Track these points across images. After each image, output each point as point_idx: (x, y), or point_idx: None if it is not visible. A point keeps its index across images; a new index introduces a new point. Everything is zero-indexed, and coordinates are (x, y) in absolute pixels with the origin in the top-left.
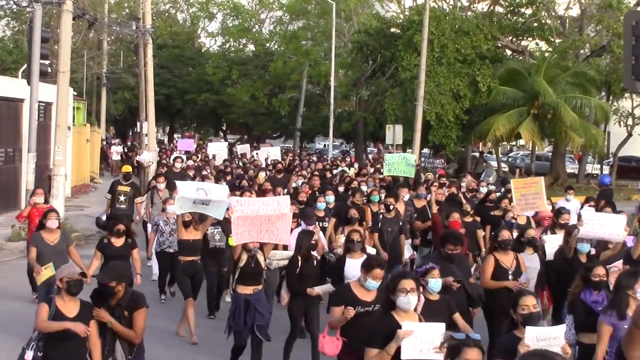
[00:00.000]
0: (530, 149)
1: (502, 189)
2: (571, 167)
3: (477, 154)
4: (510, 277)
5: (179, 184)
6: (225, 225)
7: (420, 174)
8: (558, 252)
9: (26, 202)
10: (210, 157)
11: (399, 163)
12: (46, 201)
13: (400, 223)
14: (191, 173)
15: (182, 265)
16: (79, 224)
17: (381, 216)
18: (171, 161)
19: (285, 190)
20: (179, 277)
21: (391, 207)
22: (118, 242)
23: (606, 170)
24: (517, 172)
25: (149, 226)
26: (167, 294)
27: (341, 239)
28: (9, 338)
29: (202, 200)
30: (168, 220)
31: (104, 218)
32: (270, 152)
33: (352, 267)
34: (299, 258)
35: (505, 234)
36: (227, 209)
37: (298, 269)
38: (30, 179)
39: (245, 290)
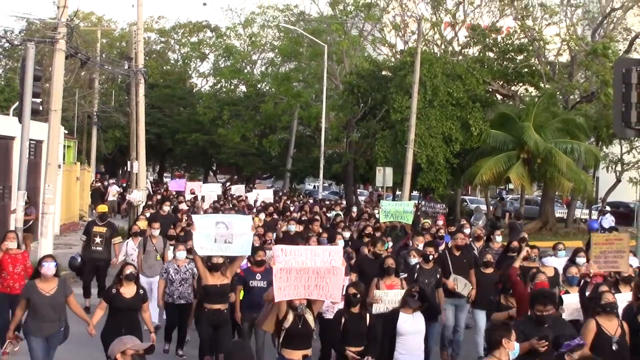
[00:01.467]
0: (519, 193)
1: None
2: (560, 212)
3: (496, 198)
4: (614, 347)
5: (196, 218)
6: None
7: (419, 220)
8: (626, 310)
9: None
10: (199, 199)
11: (397, 210)
12: (18, 246)
13: (438, 275)
14: (183, 217)
15: (206, 314)
16: (67, 263)
17: (418, 267)
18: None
19: (274, 235)
20: (201, 327)
21: (431, 257)
22: (128, 291)
23: (595, 215)
24: (506, 215)
25: (142, 277)
26: (183, 344)
27: (378, 293)
28: None
29: (224, 235)
30: (179, 269)
31: (78, 260)
32: (261, 194)
33: (407, 322)
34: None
35: (609, 297)
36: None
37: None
38: (20, 216)
39: (293, 355)
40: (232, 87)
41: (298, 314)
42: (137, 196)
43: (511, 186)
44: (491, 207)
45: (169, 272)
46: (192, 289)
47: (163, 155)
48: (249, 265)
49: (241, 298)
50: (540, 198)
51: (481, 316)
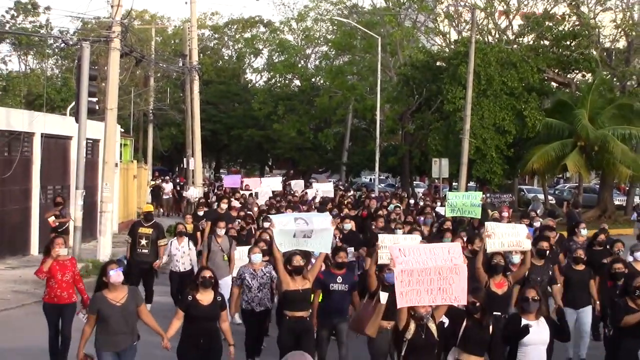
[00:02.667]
0: (577, 181)
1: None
2: (618, 199)
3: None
4: None
5: (275, 218)
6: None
7: (488, 213)
8: None
9: (74, 239)
10: (253, 195)
11: (464, 203)
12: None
13: (550, 272)
14: (235, 214)
15: (287, 323)
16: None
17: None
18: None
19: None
20: (283, 337)
21: (547, 252)
22: (205, 298)
23: None
24: (564, 204)
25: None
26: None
27: None
28: None
29: (303, 231)
30: (255, 273)
31: (125, 263)
32: (320, 188)
33: (531, 331)
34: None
35: None
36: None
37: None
38: (78, 215)
39: None
40: (287, 81)
41: (422, 323)
42: (194, 193)
43: (568, 175)
44: (550, 197)
45: (244, 278)
46: (270, 294)
47: (219, 152)
48: (329, 267)
49: (320, 302)
50: (598, 186)
51: (573, 317)
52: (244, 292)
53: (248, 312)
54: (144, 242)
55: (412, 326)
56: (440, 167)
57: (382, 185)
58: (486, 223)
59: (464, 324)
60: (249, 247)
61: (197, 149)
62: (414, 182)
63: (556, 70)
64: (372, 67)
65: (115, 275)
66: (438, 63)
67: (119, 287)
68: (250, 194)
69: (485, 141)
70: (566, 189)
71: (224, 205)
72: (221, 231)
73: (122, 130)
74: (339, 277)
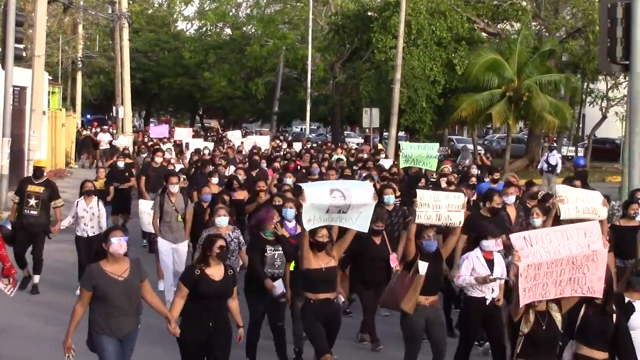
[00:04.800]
0: (505, 131)
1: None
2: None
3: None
4: None
5: (308, 189)
6: (286, 244)
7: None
8: None
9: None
10: (184, 147)
11: (419, 154)
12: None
13: None
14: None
15: (312, 306)
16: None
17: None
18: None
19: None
20: (308, 322)
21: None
22: (217, 272)
23: (581, 152)
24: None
25: (161, 241)
26: None
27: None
28: None
29: (339, 206)
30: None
31: (8, 227)
32: (258, 141)
33: (636, 312)
34: None
35: None
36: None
37: None
38: (4, 163)
39: None
40: (218, 30)
41: (543, 311)
42: (124, 142)
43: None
44: (479, 147)
45: None
46: (238, 262)
47: (149, 101)
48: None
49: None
50: (526, 136)
51: None
52: None
53: None
54: (32, 202)
55: (531, 316)
56: (371, 116)
57: (314, 135)
58: (557, 186)
59: (582, 311)
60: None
61: (127, 97)
62: (345, 132)
63: (486, 21)
64: (304, 17)
65: (118, 244)
66: (369, 13)
67: (121, 259)
68: (179, 145)
69: (416, 91)
70: (495, 139)
71: (159, 159)
72: (175, 188)
73: (50, 77)
74: None
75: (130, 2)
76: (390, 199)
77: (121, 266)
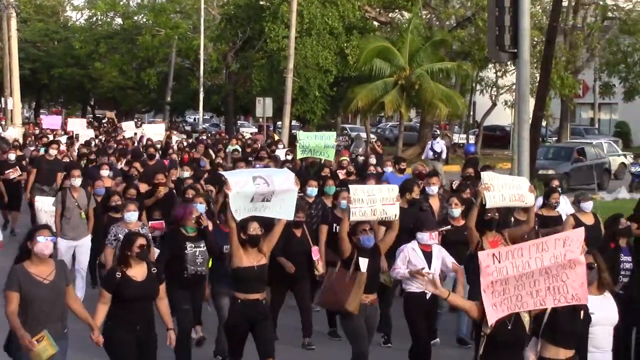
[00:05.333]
0: (398, 120)
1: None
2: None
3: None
4: None
5: (230, 176)
6: (210, 239)
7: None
8: None
9: None
10: (74, 137)
11: (317, 144)
12: None
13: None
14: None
15: (239, 307)
16: None
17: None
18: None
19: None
20: (233, 324)
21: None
22: (138, 272)
23: (472, 139)
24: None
25: (61, 242)
26: None
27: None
28: None
29: (263, 194)
30: None
31: None
32: (152, 130)
33: (595, 307)
34: None
35: None
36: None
37: None
38: None
39: None
40: (108, 20)
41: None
42: (13, 133)
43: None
44: (372, 135)
45: (118, 238)
46: None
47: (39, 91)
48: (218, 224)
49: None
50: (418, 125)
51: None
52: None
53: None
54: None
55: None
56: (264, 106)
57: (207, 125)
58: (483, 173)
59: (549, 308)
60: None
61: (16, 88)
62: (239, 122)
63: (378, 9)
64: (196, 6)
65: (44, 245)
66: (261, 2)
67: (46, 261)
68: (71, 137)
69: (308, 80)
70: (388, 127)
71: (53, 151)
72: (77, 182)
73: None
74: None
75: None
76: (313, 191)
77: (46, 267)
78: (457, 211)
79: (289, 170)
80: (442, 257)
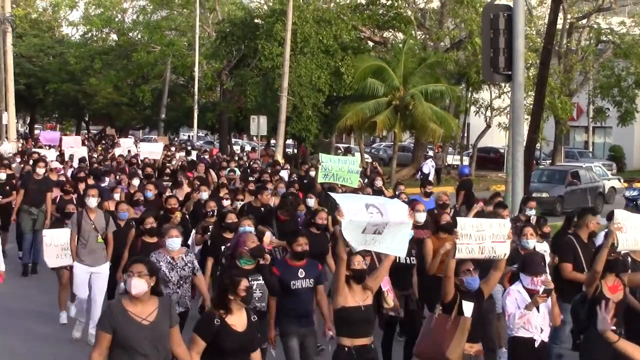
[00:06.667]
0: (392, 140)
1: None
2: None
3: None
4: None
5: (342, 202)
6: (268, 273)
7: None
8: None
9: None
10: (67, 156)
11: (340, 168)
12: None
13: None
14: (55, 178)
15: (345, 355)
16: None
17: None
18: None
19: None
20: None
21: None
22: (239, 320)
23: (466, 161)
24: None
25: (77, 266)
26: None
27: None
28: None
29: (376, 225)
30: (175, 263)
31: None
32: (143, 149)
33: None
34: None
35: None
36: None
37: None
38: None
39: None
40: (104, 36)
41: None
42: (8, 148)
43: (384, 133)
44: (366, 155)
45: (160, 268)
46: (192, 290)
47: (34, 107)
48: (285, 258)
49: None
50: (412, 145)
51: None
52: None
53: None
54: None
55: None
56: (258, 124)
57: (201, 142)
58: (616, 212)
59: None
60: (64, 229)
61: (11, 103)
62: (233, 140)
63: (372, 29)
64: (191, 23)
65: (136, 283)
66: (256, 20)
67: (147, 298)
68: (62, 154)
69: (302, 99)
70: (382, 147)
71: (40, 170)
72: (92, 202)
73: None
74: (300, 270)
75: (14, 6)
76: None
77: (147, 306)
78: (531, 242)
79: (399, 201)
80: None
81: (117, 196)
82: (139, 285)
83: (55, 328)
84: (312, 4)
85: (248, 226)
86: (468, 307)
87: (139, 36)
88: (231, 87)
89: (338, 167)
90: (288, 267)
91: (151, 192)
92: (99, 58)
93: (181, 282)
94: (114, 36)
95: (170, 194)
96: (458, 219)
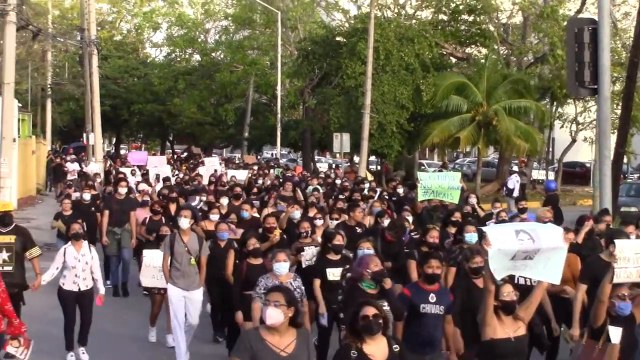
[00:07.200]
0: (476, 155)
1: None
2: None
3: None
4: None
5: (491, 232)
6: (393, 298)
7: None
8: None
9: None
10: (152, 176)
11: (440, 185)
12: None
13: None
14: (141, 199)
15: None
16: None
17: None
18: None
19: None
20: None
21: None
22: (378, 349)
23: (551, 176)
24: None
25: (171, 289)
26: None
27: None
28: None
29: (527, 251)
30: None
31: None
32: (230, 173)
33: None
34: None
35: None
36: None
37: None
38: None
39: None
40: (187, 56)
41: None
42: (94, 168)
43: (468, 149)
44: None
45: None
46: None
47: (119, 127)
48: (417, 281)
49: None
50: (497, 160)
51: None
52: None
53: None
54: (4, 255)
55: None
56: (341, 141)
57: (284, 160)
58: (617, 242)
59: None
60: (171, 249)
61: (97, 124)
62: (315, 157)
63: (454, 45)
64: (273, 42)
65: (273, 313)
66: (338, 38)
67: (283, 328)
68: (146, 174)
69: (385, 116)
70: (466, 162)
71: (123, 190)
72: (185, 223)
73: (20, 105)
74: (432, 294)
75: (99, 28)
76: (473, 237)
77: (285, 337)
78: None
79: (553, 225)
80: None
81: (215, 217)
82: (274, 315)
83: (145, 346)
84: (394, 21)
85: (367, 249)
86: (616, 333)
87: (222, 56)
88: (314, 105)
89: (438, 183)
90: (420, 289)
91: (247, 212)
92: (182, 78)
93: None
94: (196, 56)
95: (268, 212)
96: (616, 241)
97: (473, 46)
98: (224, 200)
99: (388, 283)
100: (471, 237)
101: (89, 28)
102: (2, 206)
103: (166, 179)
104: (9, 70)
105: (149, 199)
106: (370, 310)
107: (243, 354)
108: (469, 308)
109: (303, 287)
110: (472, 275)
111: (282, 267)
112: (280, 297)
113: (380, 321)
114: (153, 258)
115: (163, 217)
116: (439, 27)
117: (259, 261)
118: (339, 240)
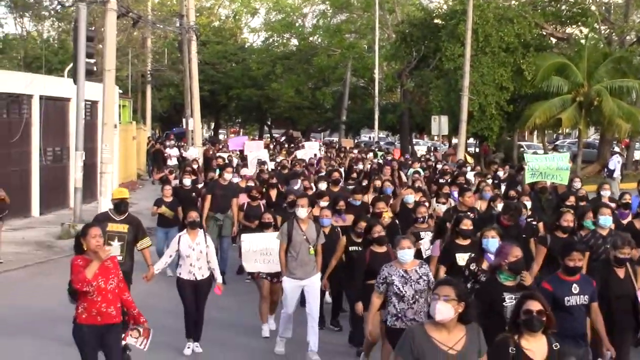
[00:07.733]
0: (577, 137)
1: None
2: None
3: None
4: None
5: None
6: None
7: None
8: None
9: (75, 201)
10: (249, 160)
11: (548, 166)
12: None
13: None
14: (244, 185)
15: None
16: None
17: None
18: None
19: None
20: None
21: None
22: (538, 347)
23: None
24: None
25: (287, 281)
26: None
27: None
28: (40, 339)
29: None
30: (408, 276)
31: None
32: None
33: None
34: None
35: None
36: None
37: None
38: (78, 176)
39: None
40: (284, 41)
41: None
42: (194, 153)
43: (568, 130)
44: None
45: (391, 282)
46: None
47: (218, 112)
48: (557, 273)
49: None
50: (597, 141)
51: None
52: (390, 303)
53: (395, 331)
54: (116, 244)
55: None
56: (440, 124)
57: (383, 143)
58: None
59: None
60: (264, 233)
61: (196, 109)
62: (413, 140)
63: (554, 25)
64: (370, 25)
65: (443, 308)
66: (436, 20)
67: (452, 324)
68: (245, 158)
69: (486, 97)
70: (566, 144)
71: (228, 175)
72: (302, 212)
73: (121, 91)
74: (574, 285)
75: (198, 15)
76: (608, 220)
77: (453, 333)
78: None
79: None
80: None
81: (324, 203)
82: (444, 310)
83: (258, 340)
84: (493, 2)
85: (492, 237)
86: None
87: (319, 40)
88: (411, 87)
89: (546, 165)
90: (561, 282)
91: (359, 201)
92: (280, 63)
93: (416, 296)
94: (294, 41)
95: (378, 196)
96: None
97: (574, 26)
98: (322, 185)
99: (528, 279)
100: (605, 220)
101: (188, 14)
102: (118, 193)
103: (262, 163)
104: (110, 57)
105: (252, 184)
106: (534, 305)
107: (407, 354)
108: (604, 297)
109: (431, 275)
110: (614, 264)
111: (406, 254)
112: (450, 291)
113: (544, 318)
114: (251, 242)
115: (262, 203)
116: (539, 7)
117: (383, 249)
118: (466, 225)
